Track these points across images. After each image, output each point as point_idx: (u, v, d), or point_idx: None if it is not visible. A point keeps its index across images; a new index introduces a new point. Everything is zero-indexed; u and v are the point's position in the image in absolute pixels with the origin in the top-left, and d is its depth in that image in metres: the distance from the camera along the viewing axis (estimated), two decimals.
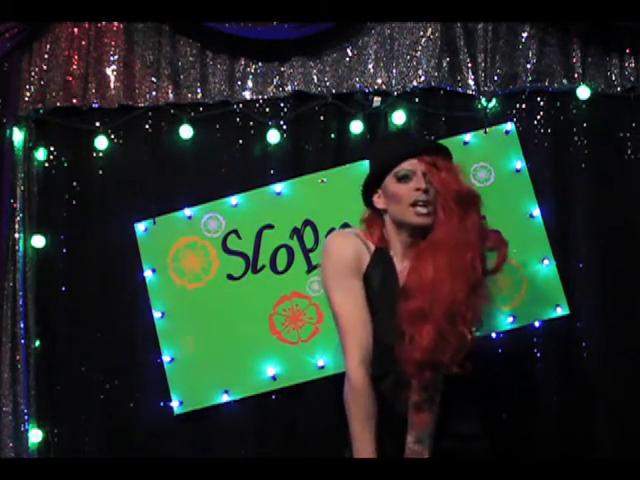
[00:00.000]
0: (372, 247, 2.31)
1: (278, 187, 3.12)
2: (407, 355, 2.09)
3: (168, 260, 3.11)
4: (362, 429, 2.12)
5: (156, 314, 3.09)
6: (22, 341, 3.10)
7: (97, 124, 3.19)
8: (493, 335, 3.01)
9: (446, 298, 2.10)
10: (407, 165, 2.26)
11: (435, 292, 2.11)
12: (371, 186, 2.36)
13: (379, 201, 2.34)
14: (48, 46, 3.18)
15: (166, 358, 3.06)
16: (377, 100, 3.14)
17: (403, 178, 2.26)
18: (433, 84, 3.11)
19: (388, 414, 2.17)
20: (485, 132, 3.10)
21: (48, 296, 3.18)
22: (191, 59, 3.18)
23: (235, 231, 3.12)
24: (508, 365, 3.00)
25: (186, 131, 3.15)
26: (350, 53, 3.15)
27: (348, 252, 2.26)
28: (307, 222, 3.10)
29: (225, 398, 3.04)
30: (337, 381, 2.94)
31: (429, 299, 2.11)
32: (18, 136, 3.17)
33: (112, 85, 3.17)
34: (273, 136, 3.14)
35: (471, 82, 3.12)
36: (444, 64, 3.12)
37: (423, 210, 2.23)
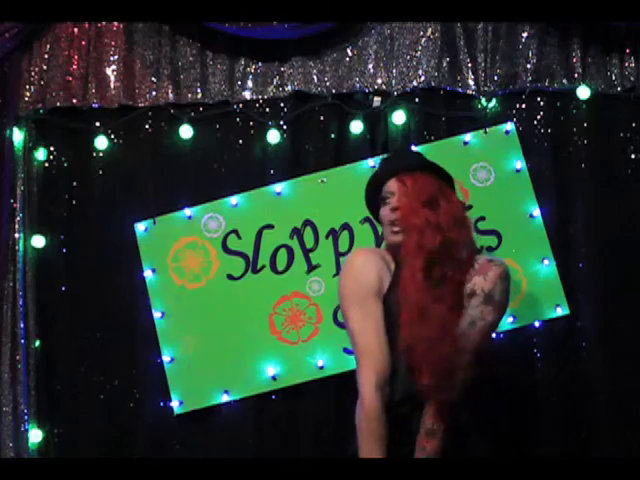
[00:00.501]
0: (393, 267, 2.27)
1: (278, 187, 3.12)
2: (419, 384, 2.10)
3: (168, 260, 3.12)
4: (371, 451, 2.11)
5: (156, 314, 3.09)
6: (22, 341, 3.10)
7: (97, 124, 3.19)
8: (493, 335, 3.00)
9: (420, 321, 2.10)
10: (387, 187, 2.30)
11: (413, 324, 2.11)
12: (377, 214, 2.38)
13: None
14: (48, 46, 3.19)
15: (166, 358, 3.06)
16: (377, 100, 3.14)
17: (384, 201, 2.30)
18: (433, 84, 3.11)
19: (403, 437, 2.16)
20: (485, 132, 3.10)
21: (48, 296, 3.18)
22: (191, 59, 3.18)
23: (235, 231, 3.12)
24: (508, 365, 3.00)
25: (186, 131, 3.15)
26: (350, 53, 3.16)
27: (372, 273, 2.21)
28: (307, 222, 3.10)
29: (225, 398, 3.04)
30: (337, 381, 2.96)
31: (409, 327, 2.11)
32: (18, 136, 3.18)
33: (112, 85, 3.17)
34: (273, 136, 3.14)
35: (471, 82, 3.13)
36: (444, 64, 3.12)
37: (395, 228, 2.25)
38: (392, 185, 2.28)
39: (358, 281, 2.20)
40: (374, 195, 2.36)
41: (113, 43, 3.18)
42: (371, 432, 2.09)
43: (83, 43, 3.18)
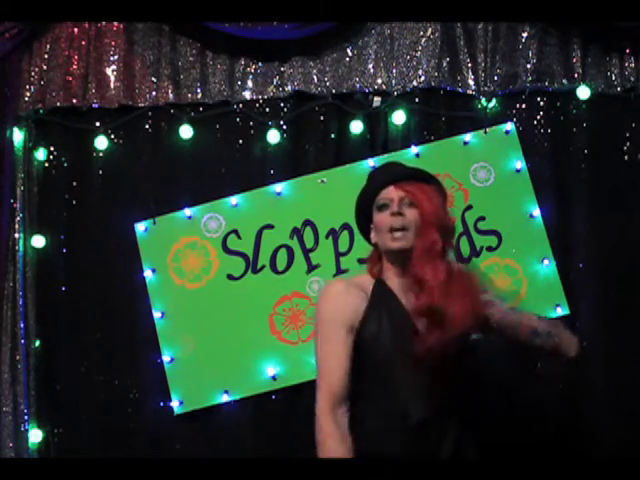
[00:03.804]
0: (369, 289, 2.25)
1: (278, 187, 3.12)
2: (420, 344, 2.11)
3: (168, 260, 3.12)
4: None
5: (156, 314, 3.09)
6: (22, 341, 3.11)
7: (97, 124, 3.19)
8: None
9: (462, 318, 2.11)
10: (385, 194, 2.24)
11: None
12: (364, 222, 2.34)
13: (372, 235, 2.31)
14: (48, 46, 3.19)
15: (166, 358, 3.06)
16: (377, 100, 3.14)
17: (382, 207, 2.24)
18: (433, 84, 3.12)
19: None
20: (485, 132, 3.10)
21: (48, 296, 3.18)
22: (191, 59, 3.18)
23: (235, 231, 3.12)
24: (508, 365, 3.00)
25: (186, 131, 3.15)
26: (350, 53, 3.16)
27: (347, 305, 2.21)
28: (307, 222, 3.10)
29: (225, 398, 3.04)
30: None
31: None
32: (18, 136, 3.18)
33: (112, 85, 3.17)
34: (273, 136, 3.14)
35: (471, 82, 3.13)
36: (444, 64, 3.12)
37: (398, 234, 2.19)
38: (390, 192, 2.23)
39: (327, 313, 2.21)
40: (367, 205, 2.30)
41: (113, 43, 3.18)
42: (328, 450, 2.10)
43: (83, 43, 3.18)
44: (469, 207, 3.06)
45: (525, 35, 3.12)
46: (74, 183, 3.22)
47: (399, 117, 3.12)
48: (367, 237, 2.36)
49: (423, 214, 2.19)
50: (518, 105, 3.15)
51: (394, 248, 2.21)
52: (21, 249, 3.15)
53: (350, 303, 2.21)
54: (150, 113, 3.19)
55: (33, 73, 3.19)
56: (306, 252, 3.09)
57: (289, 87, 3.15)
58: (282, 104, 3.18)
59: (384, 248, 2.25)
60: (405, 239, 2.19)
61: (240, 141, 3.19)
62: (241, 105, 3.18)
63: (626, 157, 3.14)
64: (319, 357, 2.20)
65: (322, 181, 3.11)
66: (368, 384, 2.20)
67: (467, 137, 3.10)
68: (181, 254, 3.12)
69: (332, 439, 2.11)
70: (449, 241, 2.25)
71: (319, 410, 2.14)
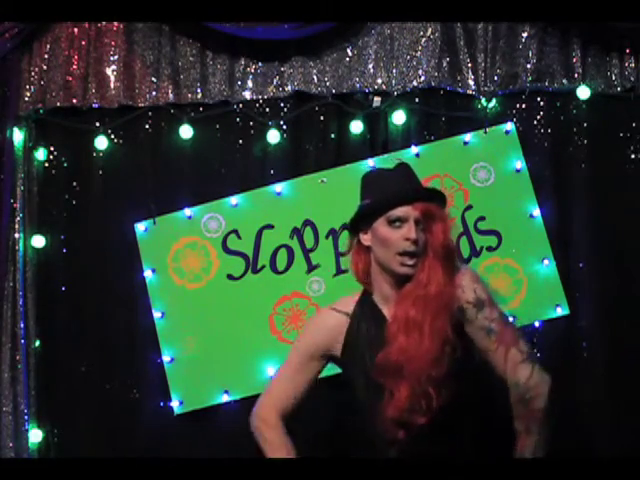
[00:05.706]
0: (351, 310, 2.25)
1: (278, 187, 3.12)
2: (383, 411, 2.07)
3: (168, 260, 3.12)
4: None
5: (156, 314, 3.09)
6: (22, 341, 3.11)
7: (97, 124, 3.19)
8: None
9: (425, 356, 2.06)
10: (400, 211, 2.15)
11: (417, 348, 2.06)
12: (360, 223, 2.25)
13: (366, 238, 2.22)
14: (48, 46, 3.19)
15: (166, 358, 3.06)
16: (377, 100, 3.14)
17: (394, 222, 2.15)
18: (433, 84, 3.12)
19: None
20: (485, 132, 3.10)
21: (48, 296, 3.18)
22: (191, 59, 3.18)
23: (235, 231, 3.12)
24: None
25: (186, 131, 3.15)
26: (350, 53, 3.16)
27: (319, 337, 2.30)
28: (307, 222, 3.10)
29: (225, 398, 3.04)
30: (337, 381, 2.95)
31: (408, 355, 2.06)
32: (18, 136, 3.18)
33: (112, 85, 3.17)
34: (273, 136, 3.14)
35: (471, 82, 3.13)
36: (444, 64, 3.12)
37: (409, 262, 2.14)
38: (407, 211, 2.14)
39: (307, 339, 2.34)
40: (373, 213, 2.20)
41: (113, 43, 3.18)
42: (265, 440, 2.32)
43: (83, 43, 3.18)
44: (469, 207, 3.06)
45: (525, 35, 3.12)
46: (74, 183, 3.22)
47: (399, 117, 3.12)
48: (356, 232, 2.27)
49: (433, 243, 2.15)
50: (518, 105, 3.15)
51: (400, 273, 2.17)
52: (21, 249, 3.15)
53: (325, 336, 2.28)
54: (150, 113, 3.19)
55: (33, 73, 3.19)
56: (306, 252, 3.09)
57: (289, 87, 3.15)
58: (282, 104, 3.18)
59: (385, 266, 2.19)
60: (414, 267, 2.15)
61: (240, 141, 3.19)
62: (241, 105, 3.18)
63: (626, 157, 3.14)
64: (276, 374, 2.36)
65: (322, 181, 3.11)
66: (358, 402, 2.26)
67: (467, 137, 3.10)
68: (181, 254, 3.12)
69: (281, 452, 2.30)
70: (451, 264, 2.19)
71: (263, 422, 2.34)
